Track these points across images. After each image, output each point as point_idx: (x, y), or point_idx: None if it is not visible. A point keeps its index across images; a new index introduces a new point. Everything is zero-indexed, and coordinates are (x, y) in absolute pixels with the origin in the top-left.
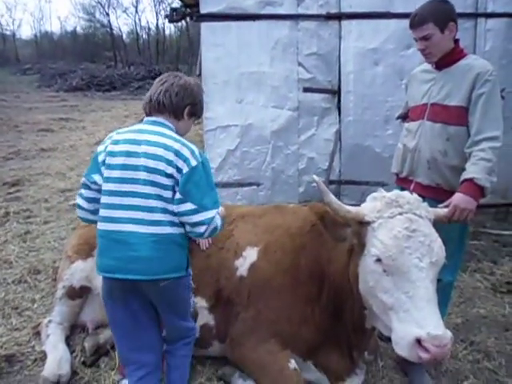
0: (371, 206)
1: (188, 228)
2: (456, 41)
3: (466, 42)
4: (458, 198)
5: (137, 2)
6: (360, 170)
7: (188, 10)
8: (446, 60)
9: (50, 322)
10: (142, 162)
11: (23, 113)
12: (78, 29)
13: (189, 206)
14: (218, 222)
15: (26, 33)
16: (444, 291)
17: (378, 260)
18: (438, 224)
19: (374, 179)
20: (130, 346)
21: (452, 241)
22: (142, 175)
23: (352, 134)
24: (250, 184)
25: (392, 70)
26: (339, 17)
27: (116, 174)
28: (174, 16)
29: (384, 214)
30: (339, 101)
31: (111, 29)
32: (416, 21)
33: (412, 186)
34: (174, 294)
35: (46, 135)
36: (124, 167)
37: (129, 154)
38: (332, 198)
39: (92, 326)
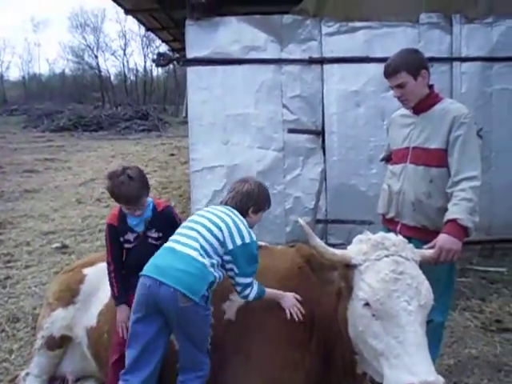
0: (357, 248)
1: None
2: (430, 86)
3: (443, 85)
4: (443, 239)
5: (125, 45)
6: (346, 208)
7: (175, 54)
8: (422, 105)
9: (27, 374)
10: None
11: (8, 153)
12: (67, 71)
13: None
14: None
15: (14, 74)
16: (435, 332)
17: (367, 304)
18: (425, 265)
19: (359, 218)
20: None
21: (440, 281)
22: None
23: (337, 173)
24: None
25: (374, 111)
26: (321, 61)
27: None
28: (160, 61)
29: (370, 256)
30: (323, 141)
31: (100, 71)
32: (390, 70)
33: (398, 228)
34: (192, 320)
35: (30, 176)
36: None
37: None
38: (317, 241)
39: (72, 377)
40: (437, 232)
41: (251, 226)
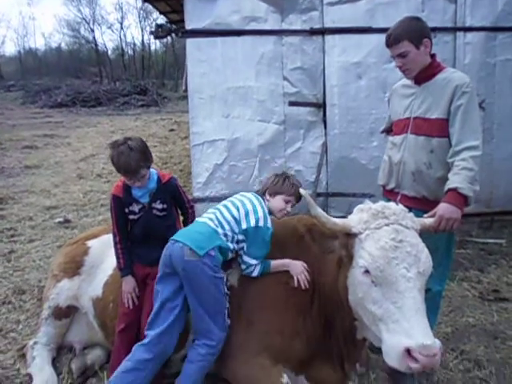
0: (358, 217)
1: None
2: (432, 55)
3: (446, 55)
4: (443, 208)
5: (122, 18)
6: (347, 182)
7: (173, 26)
8: (423, 75)
9: (35, 343)
10: None
11: (7, 130)
12: (63, 45)
13: None
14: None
15: (9, 49)
16: (433, 300)
17: (366, 271)
18: (424, 234)
19: (360, 191)
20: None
21: (439, 250)
22: None
23: (338, 146)
24: None
25: (375, 83)
26: (322, 32)
27: None
28: (159, 32)
29: (370, 225)
30: (324, 114)
31: (96, 45)
32: (391, 40)
33: (398, 198)
34: (198, 277)
35: (30, 152)
36: None
37: None
38: (319, 210)
39: (79, 346)
40: (436, 202)
41: (272, 212)
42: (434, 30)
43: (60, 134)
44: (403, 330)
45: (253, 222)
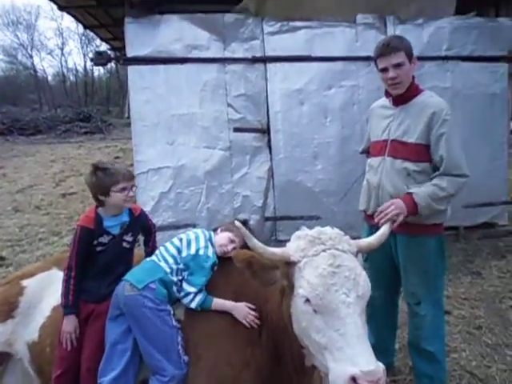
0: (295, 245)
1: None
2: (413, 77)
3: (379, 84)
4: (394, 201)
5: (63, 44)
6: (294, 205)
7: (116, 53)
8: (403, 96)
9: None
10: None
11: None
12: None
13: None
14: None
15: None
16: (435, 326)
17: (307, 300)
18: (411, 259)
19: (307, 213)
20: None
21: (428, 273)
22: None
23: (284, 170)
24: (186, 225)
25: (317, 108)
26: (264, 60)
27: None
28: (99, 59)
29: (308, 252)
30: (269, 140)
31: (35, 71)
32: (390, 48)
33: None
34: (140, 311)
35: None
36: None
37: None
38: (255, 242)
39: None
40: (423, 226)
41: (215, 246)
42: (368, 58)
43: None
44: (347, 357)
45: (193, 250)
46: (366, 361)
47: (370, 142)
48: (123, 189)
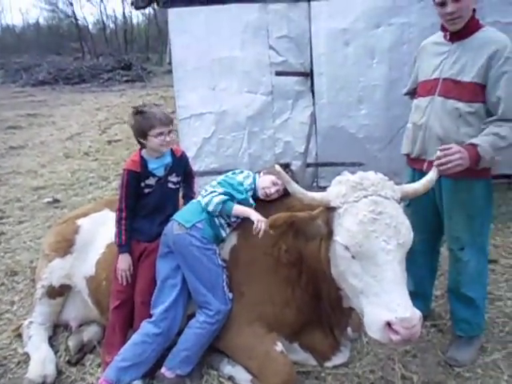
0: (336, 190)
1: None
2: (473, 11)
3: None
4: (459, 148)
5: None
6: (336, 151)
7: None
8: (462, 31)
9: (31, 323)
10: None
11: None
12: (41, 20)
13: None
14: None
15: None
16: (478, 273)
17: (346, 247)
18: (457, 204)
19: (350, 160)
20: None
21: (474, 218)
22: None
23: (326, 116)
24: (228, 171)
25: (363, 49)
26: None
27: None
28: (139, 2)
29: (349, 198)
30: (312, 83)
31: (76, 19)
32: None
33: (425, 166)
34: (188, 249)
35: (14, 132)
36: None
37: None
38: (295, 187)
39: (75, 324)
40: (467, 170)
41: (257, 188)
42: None
43: (44, 113)
44: (383, 303)
45: (240, 179)
46: (402, 307)
47: (415, 84)
48: (160, 133)
